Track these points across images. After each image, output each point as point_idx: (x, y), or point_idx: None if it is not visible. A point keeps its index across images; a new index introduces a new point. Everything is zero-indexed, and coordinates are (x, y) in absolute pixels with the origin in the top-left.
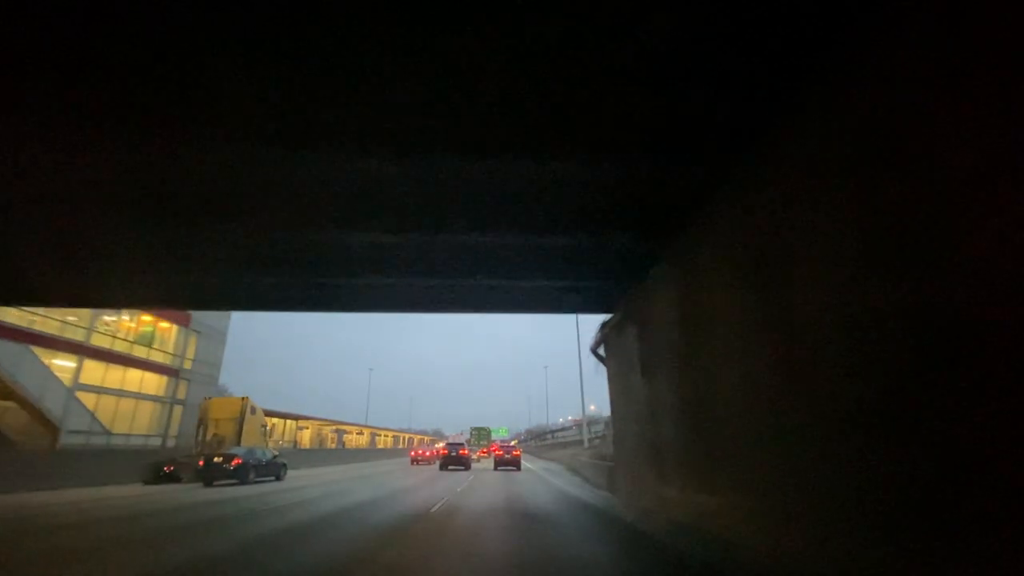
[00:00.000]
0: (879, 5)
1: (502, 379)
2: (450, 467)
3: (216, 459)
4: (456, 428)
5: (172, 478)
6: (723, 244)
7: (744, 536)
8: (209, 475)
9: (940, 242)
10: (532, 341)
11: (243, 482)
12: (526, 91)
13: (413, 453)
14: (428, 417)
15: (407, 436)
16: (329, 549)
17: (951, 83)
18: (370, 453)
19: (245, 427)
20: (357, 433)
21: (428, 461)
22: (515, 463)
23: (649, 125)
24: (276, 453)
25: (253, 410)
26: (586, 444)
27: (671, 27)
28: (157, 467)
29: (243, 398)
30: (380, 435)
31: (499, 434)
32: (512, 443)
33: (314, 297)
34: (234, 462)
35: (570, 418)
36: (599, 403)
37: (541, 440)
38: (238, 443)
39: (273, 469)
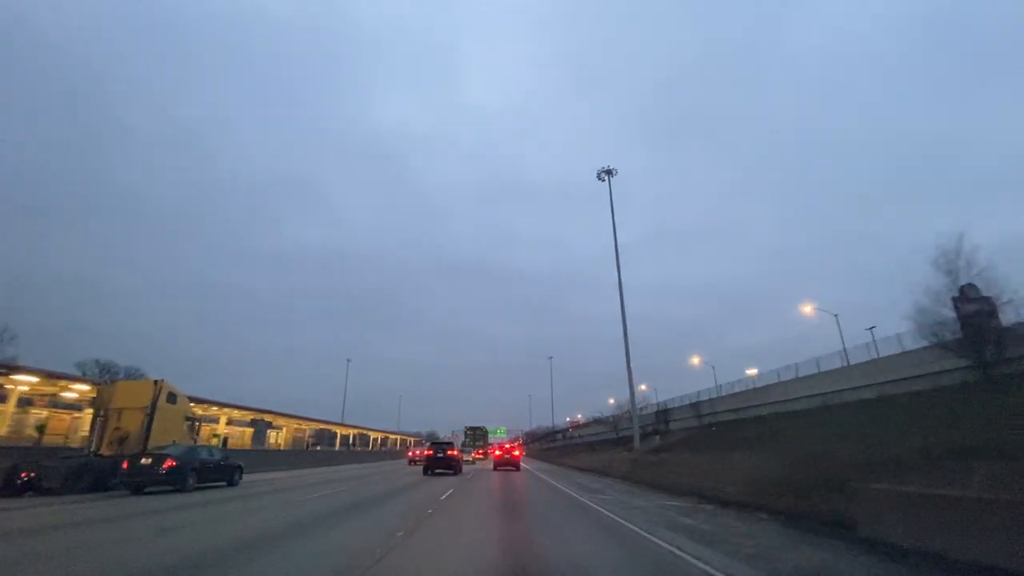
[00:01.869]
0: None
1: (500, 382)
2: (437, 471)
3: (144, 460)
4: (452, 430)
5: (32, 487)
6: None
7: None
8: (136, 480)
9: None
10: (530, 342)
11: (181, 489)
12: None
13: (411, 453)
14: (423, 419)
15: (371, 434)
16: None
17: None
18: (351, 455)
19: (158, 419)
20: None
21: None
22: (514, 464)
23: None
24: (227, 453)
25: (172, 398)
26: (638, 443)
27: None
28: (13, 472)
29: (155, 382)
30: (301, 425)
31: (497, 435)
32: (507, 444)
33: None
34: (166, 464)
35: (579, 417)
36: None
37: (549, 441)
38: (145, 441)
39: (224, 472)
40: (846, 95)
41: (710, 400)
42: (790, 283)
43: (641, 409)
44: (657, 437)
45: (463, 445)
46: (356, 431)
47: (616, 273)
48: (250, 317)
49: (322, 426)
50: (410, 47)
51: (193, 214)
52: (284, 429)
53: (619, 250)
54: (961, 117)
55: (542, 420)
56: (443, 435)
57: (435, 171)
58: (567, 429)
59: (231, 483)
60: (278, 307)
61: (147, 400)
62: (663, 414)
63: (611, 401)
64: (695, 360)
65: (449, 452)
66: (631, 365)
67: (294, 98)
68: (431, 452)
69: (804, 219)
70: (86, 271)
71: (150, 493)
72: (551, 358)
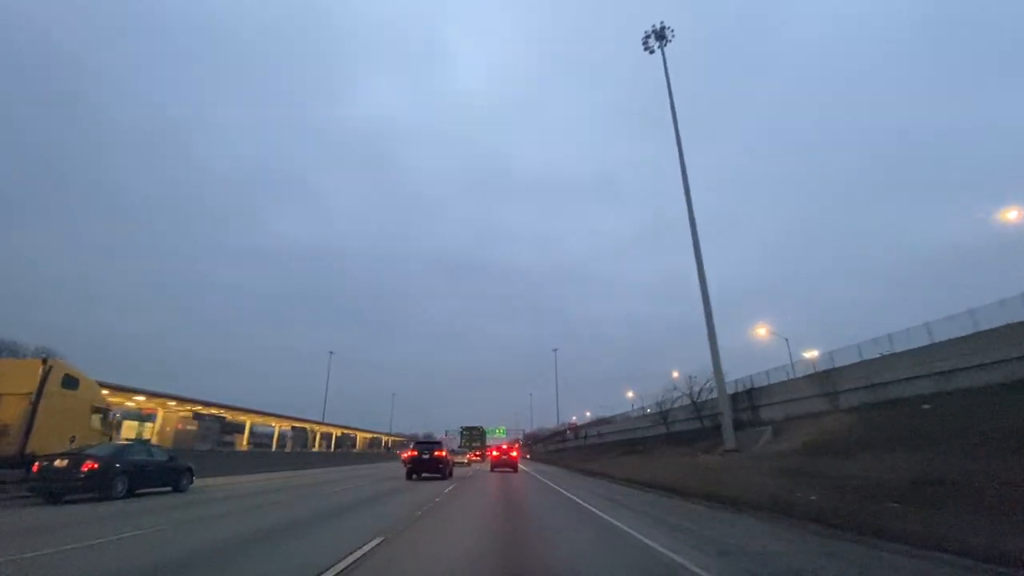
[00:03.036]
0: None
1: (499, 383)
2: (423, 474)
3: (59, 463)
4: (446, 430)
5: None
6: None
7: None
8: (49, 487)
9: None
10: (529, 342)
11: (106, 496)
12: None
13: (405, 455)
14: (420, 422)
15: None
16: None
17: None
18: (288, 458)
19: (48, 409)
20: None
21: None
22: (512, 465)
23: None
24: (173, 453)
25: (71, 382)
26: (732, 439)
27: None
28: None
29: (44, 360)
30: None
31: (495, 435)
32: (505, 445)
33: None
34: (84, 467)
35: (588, 414)
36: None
37: (558, 441)
38: (26, 436)
39: (168, 476)
40: (849, 87)
41: (866, 362)
42: (791, 280)
43: (698, 391)
44: (768, 429)
45: (459, 446)
46: (299, 424)
47: (683, 179)
48: (235, 315)
49: (246, 417)
50: (397, 39)
51: (172, 208)
52: (160, 416)
53: (608, 248)
54: (969, 110)
55: (543, 421)
56: (439, 437)
57: (427, 167)
58: (581, 427)
59: (178, 488)
60: (266, 306)
61: (32, 385)
62: (748, 396)
63: (630, 395)
64: (761, 331)
65: (436, 453)
66: (712, 321)
67: (279, 92)
68: (414, 453)
69: (804, 214)
70: (51, 265)
71: (71, 502)
72: (556, 350)
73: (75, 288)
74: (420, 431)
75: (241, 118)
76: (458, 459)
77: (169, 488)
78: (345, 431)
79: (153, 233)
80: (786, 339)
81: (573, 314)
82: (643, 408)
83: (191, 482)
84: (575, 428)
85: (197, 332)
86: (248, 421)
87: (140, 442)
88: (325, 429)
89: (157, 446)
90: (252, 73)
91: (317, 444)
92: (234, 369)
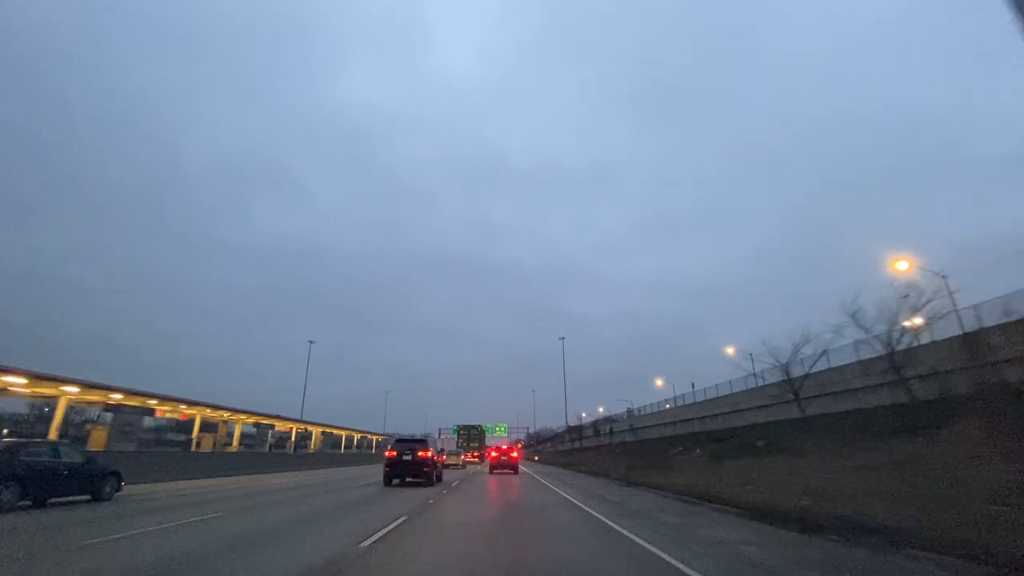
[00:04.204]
0: None
1: (499, 384)
2: (407, 479)
3: None
4: (439, 428)
5: None
6: None
7: None
8: None
9: None
10: (527, 343)
11: None
12: None
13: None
14: (418, 423)
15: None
16: None
17: None
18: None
19: None
20: None
21: None
22: (512, 466)
23: None
24: (89, 454)
25: None
26: None
27: None
28: None
29: None
30: None
31: (496, 434)
32: (504, 445)
33: None
34: None
35: (601, 410)
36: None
37: (572, 440)
38: None
39: (86, 482)
40: (850, 75)
41: None
42: (790, 276)
43: (899, 332)
44: None
45: (456, 446)
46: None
47: None
48: (220, 312)
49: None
50: (381, 21)
51: (151, 200)
52: None
53: (605, 244)
54: (976, 98)
55: (548, 421)
56: (431, 435)
57: (417, 158)
58: (602, 421)
59: (99, 497)
60: (253, 303)
61: None
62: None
63: (659, 383)
64: (901, 266)
65: (420, 453)
66: None
67: (259, 78)
68: (394, 453)
69: (804, 208)
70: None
71: None
72: (563, 338)
73: (42, 282)
74: (419, 431)
75: (219, 105)
76: (450, 460)
77: (87, 496)
78: (269, 420)
79: (128, 226)
80: (944, 276)
81: (572, 312)
82: (755, 375)
83: (118, 489)
84: (585, 425)
85: (182, 329)
86: (63, 398)
87: (46, 440)
88: (246, 419)
89: (70, 445)
90: (229, 55)
91: (236, 443)
92: (227, 368)
